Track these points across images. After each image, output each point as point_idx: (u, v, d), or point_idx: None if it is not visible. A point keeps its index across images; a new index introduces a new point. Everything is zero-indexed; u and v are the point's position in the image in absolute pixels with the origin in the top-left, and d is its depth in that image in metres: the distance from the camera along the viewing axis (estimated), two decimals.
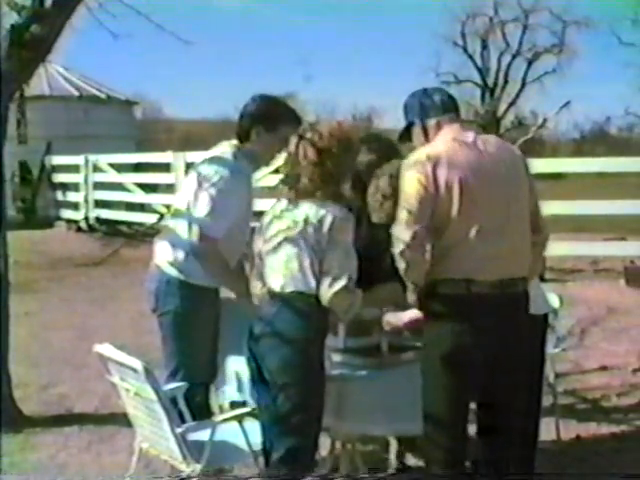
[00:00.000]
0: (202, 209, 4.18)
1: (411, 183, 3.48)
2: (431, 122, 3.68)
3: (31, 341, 7.45)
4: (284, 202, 3.70)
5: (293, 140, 3.72)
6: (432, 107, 3.69)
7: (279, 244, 3.64)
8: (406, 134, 3.81)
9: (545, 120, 39.52)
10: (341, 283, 3.51)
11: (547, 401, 4.78)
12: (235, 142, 4.39)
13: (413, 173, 3.49)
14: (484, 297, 3.47)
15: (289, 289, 3.59)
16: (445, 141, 3.58)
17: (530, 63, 40.73)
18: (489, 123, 38.54)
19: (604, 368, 6.78)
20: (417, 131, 3.74)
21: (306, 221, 3.55)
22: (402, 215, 3.50)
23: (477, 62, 41.26)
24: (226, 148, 4.39)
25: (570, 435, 5.24)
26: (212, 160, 4.36)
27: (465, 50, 40.91)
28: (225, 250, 4.22)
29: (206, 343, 4.34)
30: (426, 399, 3.57)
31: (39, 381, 6.66)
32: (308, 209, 3.58)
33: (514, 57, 40.82)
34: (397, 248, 3.51)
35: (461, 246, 3.47)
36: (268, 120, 4.30)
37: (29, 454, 5.23)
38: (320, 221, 3.54)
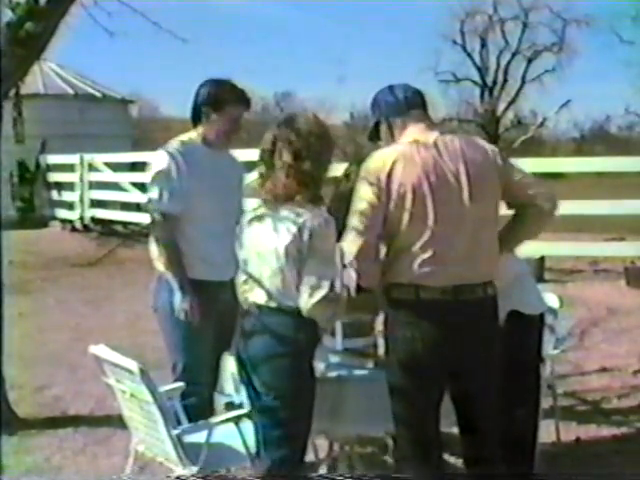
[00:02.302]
0: (153, 189, 4.40)
1: (364, 191, 3.45)
2: (396, 121, 3.64)
3: (25, 342, 7.40)
4: (263, 206, 3.57)
5: (268, 137, 3.55)
6: (396, 105, 3.65)
7: (261, 255, 3.53)
8: (375, 133, 3.76)
9: (545, 119, 39.70)
10: (321, 293, 3.39)
11: (547, 403, 4.76)
12: (192, 132, 4.55)
13: (366, 180, 3.45)
14: (433, 303, 3.43)
15: (275, 304, 3.50)
16: (403, 144, 3.53)
17: (530, 62, 40.79)
18: (488, 122, 38.63)
19: (604, 369, 6.76)
20: (384, 130, 3.70)
21: (287, 230, 3.43)
22: (352, 224, 3.46)
23: (476, 61, 41.34)
24: (179, 137, 4.55)
25: (570, 437, 5.22)
26: (161, 149, 4.49)
27: (464, 48, 40.96)
28: (194, 229, 4.35)
29: (202, 339, 4.30)
30: (391, 402, 3.57)
31: (34, 383, 6.61)
32: (287, 216, 3.45)
33: (514, 55, 40.87)
34: (346, 259, 3.48)
35: (412, 251, 3.42)
36: (215, 101, 4.46)
37: (24, 456, 5.19)
38: (300, 230, 3.40)
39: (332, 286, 3.43)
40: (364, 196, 3.43)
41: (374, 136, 3.78)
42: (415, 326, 3.42)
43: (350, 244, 3.45)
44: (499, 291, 3.57)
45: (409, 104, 3.64)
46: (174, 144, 4.46)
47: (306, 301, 3.40)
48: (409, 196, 3.39)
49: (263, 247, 3.51)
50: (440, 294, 3.42)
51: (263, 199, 3.56)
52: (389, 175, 3.40)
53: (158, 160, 4.42)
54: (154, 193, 4.38)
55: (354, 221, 3.45)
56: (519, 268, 4.15)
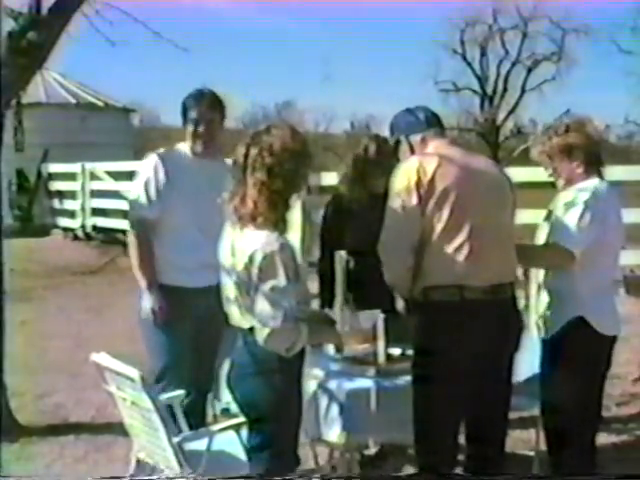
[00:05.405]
0: (132, 194, 4.58)
1: (399, 205, 3.50)
2: (416, 138, 3.71)
3: (27, 350, 7.40)
4: (229, 225, 3.37)
5: (240, 150, 3.29)
6: (416, 123, 3.74)
7: (230, 274, 3.33)
8: (394, 154, 3.85)
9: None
10: (274, 323, 3.17)
11: None
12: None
13: (401, 194, 3.50)
14: (477, 303, 3.48)
15: (248, 324, 3.31)
16: (434, 154, 3.59)
17: (529, 71, 40.84)
18: (488, 131, 38.64)
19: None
20: (404, 148, 3.77)
21: (241, 257, 3.22)
22: (390, 247, 3.56)
23: (476, 70, 41.39)
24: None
25: None
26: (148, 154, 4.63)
27: (464, 58, 40.99)
28: (169, 235, 4.45)
29: (177, 344, 4.34)
30: (418, 407, 3.56)
31: (35, 390, 6.62)
32: (244, 241, 3.24)
33: (513, 65, 40.94)
34: (385, 276, 3.64)
35: (453, 253, 3.48)
36: (183, 109, 4.52)
37: (25, 464, 5.20)
38: (251, 258, 3.18)
39: (285, 315, 3.19)
40: (399, 217, 3.50)
41: (393, 157, 3.87)
42: (460, 327, 3.46)
43: (391, 270, 3.60)
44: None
45: (429, 122, 3.74)
46: (160, 151, 4.58)
47: (259, 332, 3.22)
48: (451, 200, 3.45)
49: (230, 266, 3.33)
50: (482, 294, 3.49)
51: (228, 218, 3.35)
52: (429, 180, 3.46)
53: (142, 166, 4.56)
54: (134, 197, 4.52)
55: (392, 244, 3.54)
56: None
